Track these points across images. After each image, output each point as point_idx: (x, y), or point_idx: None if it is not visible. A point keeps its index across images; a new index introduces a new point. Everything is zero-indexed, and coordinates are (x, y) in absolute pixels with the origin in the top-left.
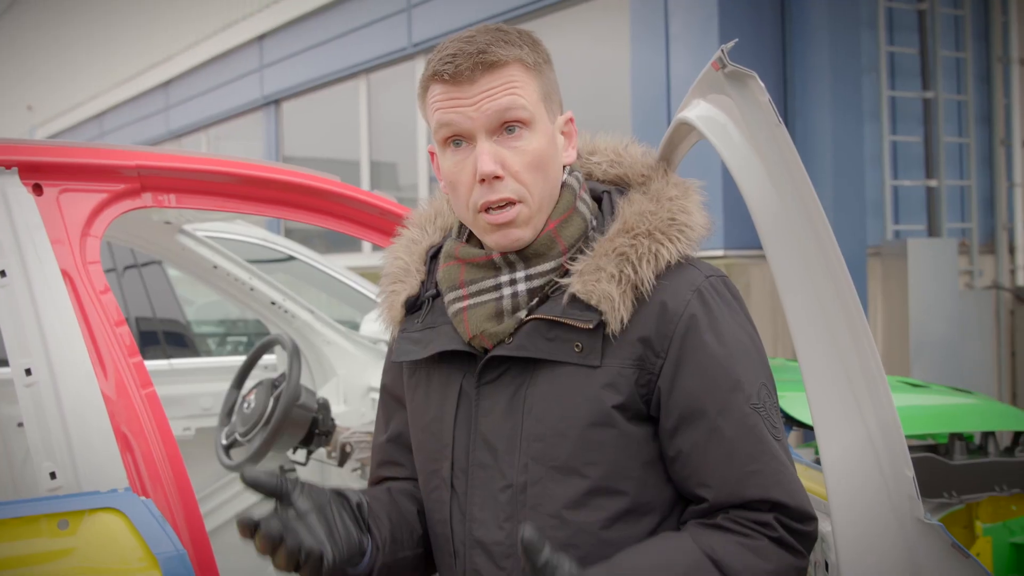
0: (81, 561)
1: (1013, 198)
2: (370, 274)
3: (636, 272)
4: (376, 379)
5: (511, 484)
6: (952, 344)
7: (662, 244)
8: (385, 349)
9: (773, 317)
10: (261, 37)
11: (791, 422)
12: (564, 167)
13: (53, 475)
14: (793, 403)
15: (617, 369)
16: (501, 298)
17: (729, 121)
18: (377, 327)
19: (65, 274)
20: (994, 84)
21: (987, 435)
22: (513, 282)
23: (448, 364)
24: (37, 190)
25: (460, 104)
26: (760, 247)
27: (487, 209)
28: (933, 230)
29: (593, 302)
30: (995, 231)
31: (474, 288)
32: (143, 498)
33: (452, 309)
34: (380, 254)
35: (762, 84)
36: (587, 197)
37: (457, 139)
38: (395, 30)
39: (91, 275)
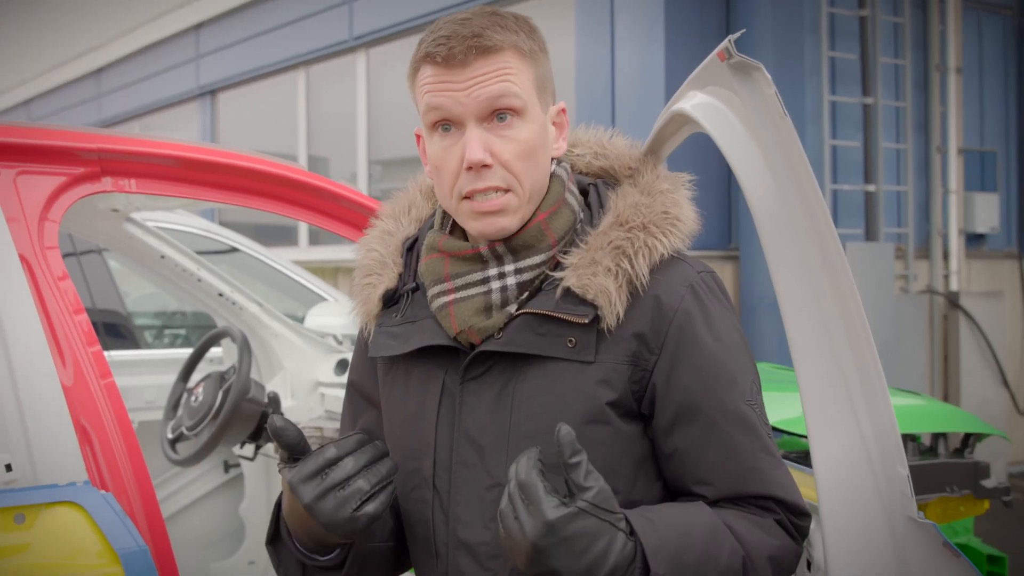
0: (38, 556)
1: (948, 204)
2: (311, 268)
3: (632, 266)
4: (324, 374)
5: (498, 483)
6: (888, 347)
7: (656, 238)
8: (332, 343)
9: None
10: (198, 26)
11: None
12: (552, 159)
13: (9, 467)
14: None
15: (611, 365)
16: (490, 292)
17: (730, 113)
18: (325, 321)
19: (23, 259)
20: (931, 92)
21: (937, 436)
22: (502, 275)
23: (429, 359)
24: None
25: (451, 88)
26: (701, 248)
27: (472, 196)
28: (871, 234)
29: (589, 297)
30: (930, 236)
31: (461, 282)
32: (103, 492)
33: (437, 303)
34: (317, 249)
35: (768, 76)
36: (575, 189)
37: (446, 124)
38: (336, 23)
39: (49, 261)
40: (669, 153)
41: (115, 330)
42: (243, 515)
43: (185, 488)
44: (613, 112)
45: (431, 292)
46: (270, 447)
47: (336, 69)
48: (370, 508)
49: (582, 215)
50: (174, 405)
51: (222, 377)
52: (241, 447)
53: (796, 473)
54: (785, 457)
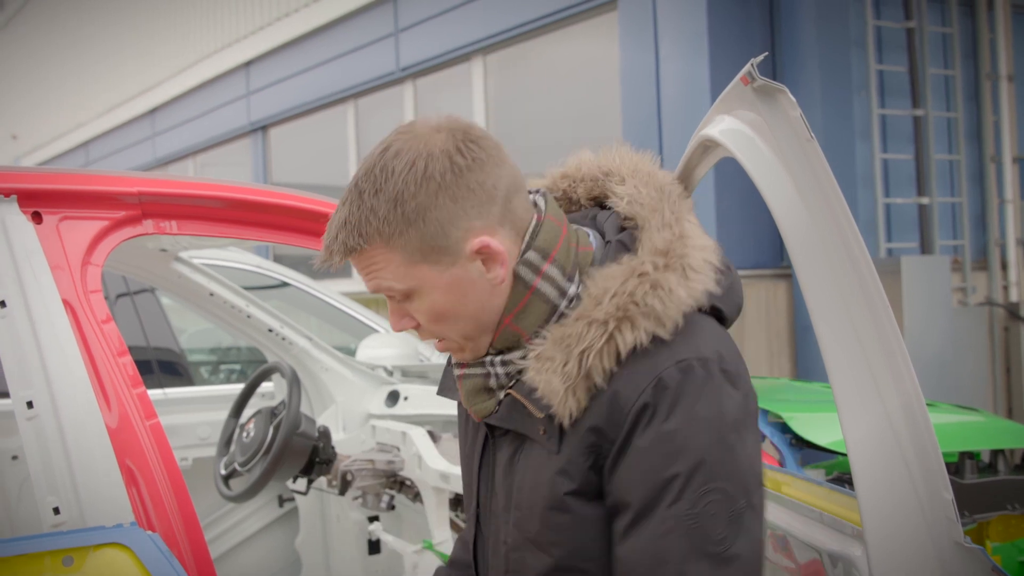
0: None
1: (1004, 214)
2: (361, 299)
3: (582, 366)
4: (375, 406)
5: (504, 542)
6: (946, 361)
7: (619, 331)
8: (382, 375)
9: (768, 338)
10: (248, 63)
11: (801, 443)
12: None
13: (56, 510)
14: (804, 424)
15: (571, 456)
16: (488, 376)
17: (757, 136)
18: (376, 353)
19: (66, 304)
20: (983, 101)
21: (996, 453)
22: (493, 364)
23: None
24: (36, 218)
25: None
26: (753, 267)
27: None
28: (926, 247)
29: (538, 395)
30: (987, 247)
31: (467, 367)
32: (149, 532)
33: (455, 372)
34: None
35: (792, 99)
36: (555, 272)
37: None
38: (383, 55)
39: (92, 304)
40: (700, 178)
41: (170, 367)
42: (299, 548)
43: (241, 523)
44: (660, 129)
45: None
46: (323, 481)
47: (384, 100)
48: None
49: (575, 289)
50: (226, 441)
51: (272, 412)
52: (294, 481)
53: (843, 497)
54: (839, 480)
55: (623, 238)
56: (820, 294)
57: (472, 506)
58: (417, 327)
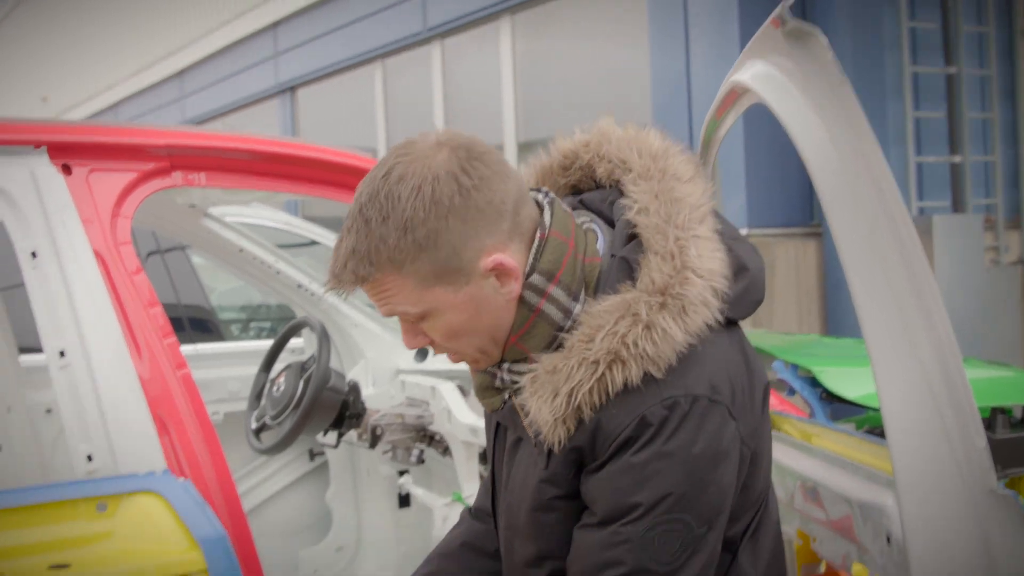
0: (120, 544)
1: None
2: None
3: (571, 403)
4: (404, 361)
5: (506, 527)
6: (979, 320)
7: (610, 371)
8: None
9: (798, 297)
10: (275, 24)
11: (832, 398)
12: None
13: (90, 458)
14: (834, 378)
15: (556, 468)
16: (495, 376)
17: (788, 81)
18: None
19: (97, 254)
20: (1017, 58)
21: None
22: (501, 369)
23: None
24: (66, 170)
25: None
26: (783, 225)
27: None
28: (958, 206)
29: (530, 420)
30: (1020, 206)
31: None
32: (181, 480)
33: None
34: None
35: (825, 40)
36: (560, 293)
37: None
38: (410, 15)
39: (123, 256)
40: (729, 127)
41: (200, 325)
42: (329, 502)
43: (271, 477)
44: (690, 123)
45: None
46: (353, 435)
47: (412, 61)
48: None
49: (580, 308)
50: (257, 395)
51: (302, 367)
52: (324, 435)
53: (874, 447)
54: (872, 432)
55: (628, 255)
56: (853, 241)
57: (490, 468)
58: (431, 343)
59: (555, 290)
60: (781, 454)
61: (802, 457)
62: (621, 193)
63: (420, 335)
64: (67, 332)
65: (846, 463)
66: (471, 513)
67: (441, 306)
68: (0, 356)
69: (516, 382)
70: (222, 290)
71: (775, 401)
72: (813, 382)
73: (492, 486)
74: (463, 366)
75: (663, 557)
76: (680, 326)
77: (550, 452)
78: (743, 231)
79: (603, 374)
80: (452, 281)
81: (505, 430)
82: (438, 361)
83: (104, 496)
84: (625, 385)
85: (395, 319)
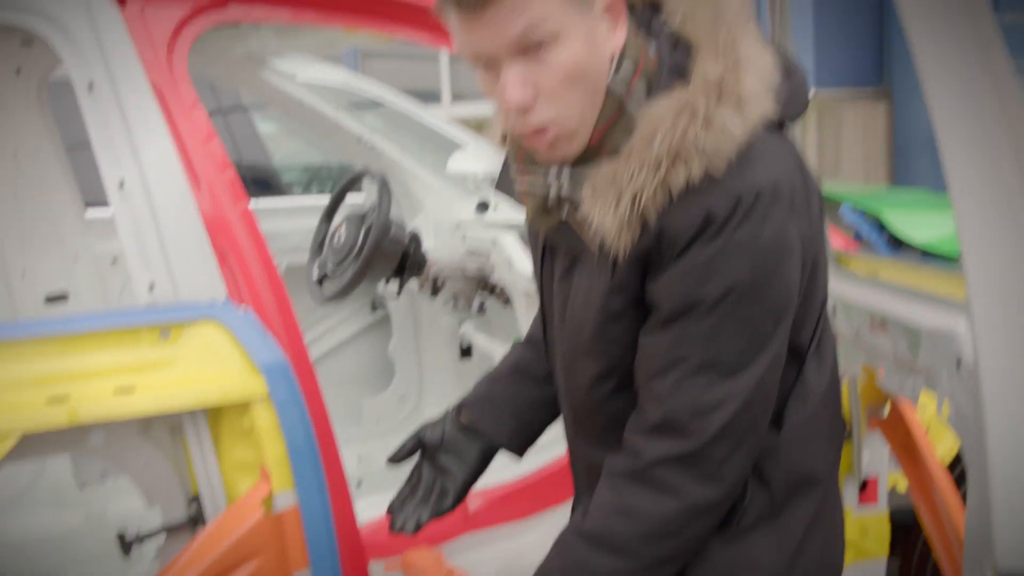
0: (183, 370)
1: None
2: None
3: (635, 207)
4: (464, 213)
5: (561, 343)
6: None
7: (672, 172)
8: (472, 186)
9: (864, 158)
10: None
11: (898, 244)
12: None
13: (152, 287)
14: (901, 222)
15: (621, 276)
16: (549, 190)
17: None
18: (465, 166)
19: (154, 86)
20: None
21: None
22: (560, 175)
23: None
24: (121, 1)
25: (477, 30)
26: (852, 84)
27: (525, 133)
28: None
29: (592, 229)
30: None
31: (529, 178)
32: (242, 309)
33: (515, 184)
34: (460, 106)
35: None
36: (641, 88)
37: (483, 61)
38: None
39: (180, 89)
40: None
41: (262, 184)
42: (392, 353)
43: (334, 329)
44: None
45: (512, 171)
46: (414, 284)
47: None
48: None
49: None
50: (318, 246)
51: (363, 217)
52: (385, 284)
53: (944, 275)
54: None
55: (677, 60)
56: (944, 92)
57: (540, 301)
58: (533, 101)
59: (637, 84)
60: (846, 291)
61: (869, 292)
62: (655, 12)
63: (529, 84)
64: (125, 162)
65: (915, 293)
66: (523, 343)
67: (571, 31)
68: (65, 207)
69: (574, 195)
70: (283, 153)
71: (840, 241)
72: (880, 227)
73: (543, 318)
74: (522, 216)
75: (731, 352)
76: (738, 119)
77: (615, 262)
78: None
79: (665, 174)
80: (583, 3)
81: (555, 258)
82: (499, 214)
83: (166, 323)
84: (687, 184)
85: (451, 179)
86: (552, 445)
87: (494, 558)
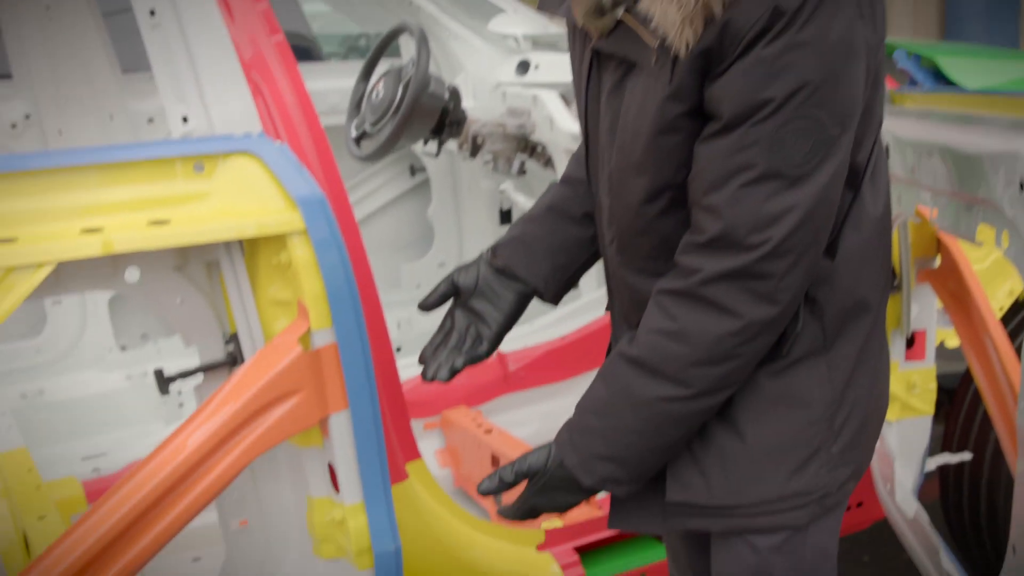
0: (218, 203)
1: None
2: None
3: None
4: (505, 74)
5: (608, 163)
6: None
7: None
8: (512, 45)
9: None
10: None
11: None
12: None
13: (185, 119)
14: (958, 68)
15: (681, 80)
16: None
17: None
18: (507, 28)
19: None
20: None
21: None
22: None
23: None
24: None
25: None
26: None
27: None
28: None
29: (654, 25)
30: None
31: None
32: (278, 143)
33: None
34: None
35: None
36: None
37: None
38: None
39: None
40: None
41: (301, 51)
42: (431, 218)
43: (373, 194)
44: None
45: None
46: (453, 144)
47: None
48: None
49: None
50: (356, 104)
51: (401, 72)
52: (424, 144)
53: (1005, 98)
54: None
55: None
56: None
57: (582, 127)
58: None
59: None
60: (901, 127)
61: (926, 125)
62: None
63: None
64: None
65: (974, 117)
66: (561, 182)
67: None
68: (100, 64)
69: None
70: (323, 19)
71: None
72: (936, 74)
73: (586, 141)
74: (565, 77)
75: (795, 158)
76: None
77: (675, 63)
78: None
79: None
80: None
81: (603, 72)
82: (540, 74)
83: (201, 155)
84: None
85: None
86: (590, 308)
87: (532, 418)
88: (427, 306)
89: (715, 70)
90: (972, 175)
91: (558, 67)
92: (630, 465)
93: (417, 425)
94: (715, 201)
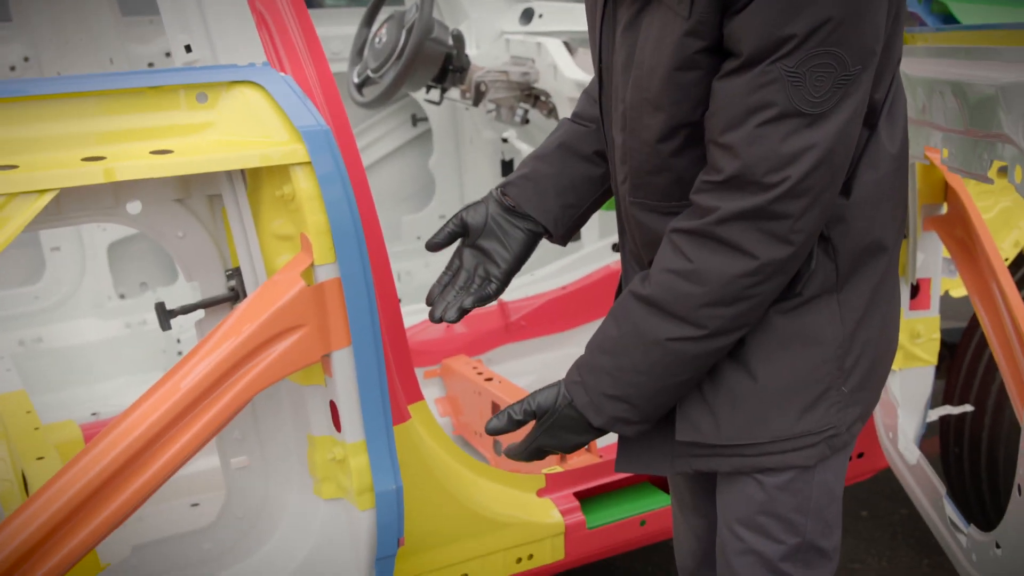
0: (222, 134)
1: None
2: None
3: None
4: (508, 23)
5: (623, 99)
6: None
7: None
8: None
9: None
10: None
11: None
12: None
13: (188, 48)
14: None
15: (700, 14)
16: None
17: None
18: None
19: None
20: None
21: None
22: None
23: None
24: None
25: None
26: None
27: None
28: None
29: None
30: None
31: None
32: (282, 74)
33: None
34: None
35: None
36: None
37: None
38: None
39: None
40: None
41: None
42: (432, 170)
43: (375, 143)
44: None
45: None
46: (456, 92)
47: None
48: None
49: None
50: (359, 50)
51: (404, 17)
52: (427, 92)
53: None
54: None
55: None
56: None
57: (596, 62)
58: None
59: None
60: (912, 65)
61: (937, 61)
62: None
63: None
64: None
65: (988, 50)
66: (571, 118)
67: None
68: (101, 9)
69: None
70: None
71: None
72: (947, 19)
73: (599, 78)
74: (570, 25)
75: (815, 96)
76: None
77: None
78: None
79: None
80: None
81: (618, 6)
82: (544, 23)
83: (204, 84)
84: None
85: None
86: (591, 258)
87: (533, 368)
88: (435, 245)
89: (735, 5)
90: (985, 110)
91: (562, 15)
92: (639, 405)
93: (417, 374)
94: (732, 140)
